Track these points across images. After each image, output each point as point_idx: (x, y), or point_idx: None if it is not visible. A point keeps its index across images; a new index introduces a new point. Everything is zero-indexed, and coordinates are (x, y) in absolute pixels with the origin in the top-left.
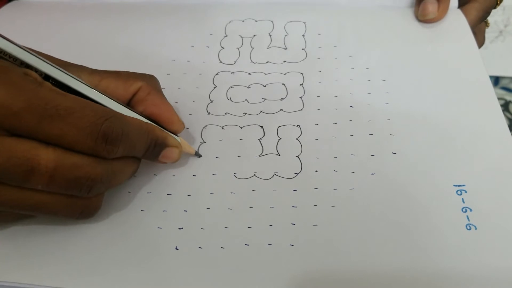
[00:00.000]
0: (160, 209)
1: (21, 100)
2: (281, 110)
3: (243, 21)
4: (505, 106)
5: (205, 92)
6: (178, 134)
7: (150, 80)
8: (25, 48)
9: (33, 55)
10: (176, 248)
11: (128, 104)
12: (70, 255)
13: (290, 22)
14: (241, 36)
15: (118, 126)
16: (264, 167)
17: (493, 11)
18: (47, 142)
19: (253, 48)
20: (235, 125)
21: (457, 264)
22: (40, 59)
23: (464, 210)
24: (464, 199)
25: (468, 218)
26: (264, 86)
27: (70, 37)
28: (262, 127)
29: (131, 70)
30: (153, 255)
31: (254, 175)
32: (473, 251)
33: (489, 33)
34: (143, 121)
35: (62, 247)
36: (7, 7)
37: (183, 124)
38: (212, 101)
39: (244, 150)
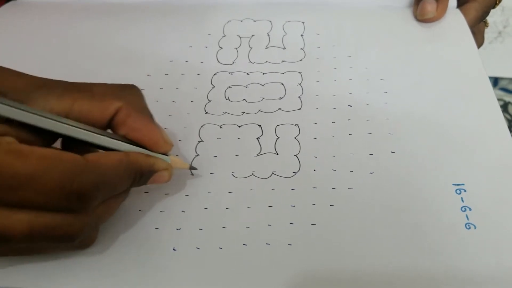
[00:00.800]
0: (157, 209)
1: None
2: (279, 109)
3: (241, 21)
4: (504, 107)
5: (203, 92)
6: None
7: (130, 96)
8: None
9: None
10: (173, 249)
11: (109, 126)
12: (66, 256)
13: (288, 22)
14: (239, 36)
15: (91, 180)
16: (262, 166)
17: (492, 12)
18: (16, 207)
19: (251, 48)
20: (233, 124)
21: (456, 263)
22: None
23: (463, 209)
24: (464, 198)
25: (467, 217)
26: (262, 85)
27: (68, 37)
28: (260, 126)
29: (130, 70)
30: (150, 256)
31: (252, 174)
32: (472, 250)
33: (488, 34)
34: (124, 154)
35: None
36: (5, 7)
37: (170, 144)
38: (210, 101)
39: (242, 149)
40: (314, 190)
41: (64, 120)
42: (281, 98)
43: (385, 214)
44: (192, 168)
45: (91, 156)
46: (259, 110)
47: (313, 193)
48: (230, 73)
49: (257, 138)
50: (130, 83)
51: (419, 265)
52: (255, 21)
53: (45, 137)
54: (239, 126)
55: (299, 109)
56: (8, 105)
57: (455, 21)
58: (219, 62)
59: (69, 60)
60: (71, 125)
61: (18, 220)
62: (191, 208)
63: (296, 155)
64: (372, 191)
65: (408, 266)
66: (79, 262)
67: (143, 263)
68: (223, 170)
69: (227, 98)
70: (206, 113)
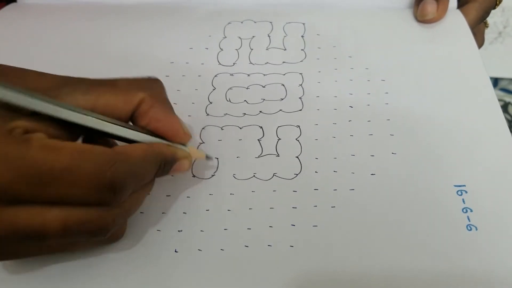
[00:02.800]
0: (159, 211)
1: (9, 171)
2: (280, 110)
3: (242, 23)
4: (504, 108)
5: (204, 94)
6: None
7: (153, 89)
8: (3, 85)
9: (15, 91)
10: (175, 251)
11: (132, 117)
12: (67, 258)
13: (289, 23)
14: (240, 38)
15: (124, 171)
16: (264, 168)
17: (492, 12)
18: (50, 203)
19: (252, 49)
20: (234, 126)
21: (458, 265)
22: (25, 93)
23: (464, 210)
24: (465, 200)
25: (468, 219)
26: (263, 86)
27: (68, 39)
28: (261, 127)
29: (130, 72)
30: (152, 258)
31: (254, 176)
32: (474, 252)
33: (488, 34)
34: (148, 146)
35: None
36: (6, 9)
37: (189, 135)
38: (211, 103)
39: (243, 151)
40: (316, 192)
41: (90, 113)
42: (282, 99)
43: (387, 216)
44: (208, 157)
45: (118, 148)
46: (260, 111)
47: (314, 195)
48: (231, 74)
49: (258, 140)
50: None
51: (420, 267)
52: (255, 22)
53: (72, 131)
54: (240, 128)
55: (300, 110)
56: (38, 99)
57: (456, 21)
58: (219, 63)
59: (69, 61)
60: (99, 119)
61: (52, 216)
62: (192, 210)
63: (297, 157)
64: (373, 192)
65: (410, 268)
66: (80, 264)
67: (145, 265)
68: (224, 171)
69: (228, 100)
70: (207, 114)
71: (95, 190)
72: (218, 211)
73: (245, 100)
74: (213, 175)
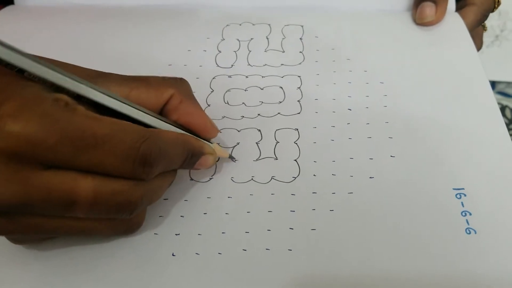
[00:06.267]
0: (156, 214)
1: (56, 132)
2: (278, 113)
3: (240, 25)
4: (501, 111)
5: (202, 96)
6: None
7: (181, 86)
8: (52, 67)
9: (61, 73)
10: (173, 255)
11: (161, 112)
12: (64, 261)
13: (287, 25)
14: (238, 40)
15: (156, 147)
16: (262, 171)
17: (489, 15)
18: (85, 171)
19: (250, 51)
20: (232, 129)
21: (456, 269)
22: (69, 77)
23: (463, 214)
24: (464, 203)
25: (467, 222)
26: (261, 89)
27: (67, 41)
28: (259, 130)
29: (127, 73)
30: (149, 262)
31: (252, 179)
32: (473, 255)
33: (485, 37)
34: (179, 133)
35: (57, 253)
36: (4, 11)
37: (217, 129)
38: (209, 105)
39: (242, 154)
40: (314, 195)
41: (127, 101)
42: (280, 102)
43: (385, 219)
44: (231, 157)
45: (152, 129)
46: (259, 114)
47: (313, 198)
48: (229, 76)
49: (256, 143)
50: None
51: (419, 271)
52: (254, 24)
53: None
54: (238, 131)
55: (299, 113)
56: (79, 82)
57: (454, 24)
58: (218, 65)
59: None
60: (134, 107)
61: (85, 183)
62: (190, 213)
63: (295, 160)
64: (372, 195)
65: (408, 272)
66: (76, 267)
67: (142, 268)
68: (222, 174)
69: (226, 102)
70: None
71: (128, 160)
72: (216, 214)
73: (243, 103)
74: (211, 178)
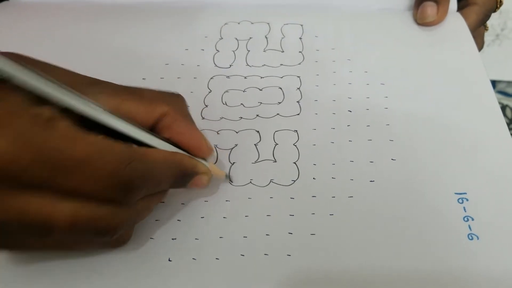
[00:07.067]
0: (152, 218)
1: (30, 152)
2: (277, 114)
3: (239, 23)
4: (502, 110)
5: (199, 96)
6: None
7: (176, 103)
8: (37, 76)
9: (47, 82)
10: (169, 260)
11: (153, 129)
12: (59, 265)
13: (287, 24)
14: (236, 39)
15: (141, 170)
16: (260, 174)
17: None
18: (64, 193)
19: (249, 51)
20: (230, 130)
21: (458, 275)
22: (55, 86)
23: (465, 219)
24: (466, 208)
25: (470, 228)
26: (260, 90)
27: (61, 39)
28: (258, 132)
29: (123, 73)
30: (145, 267)
31: (250, 182)
32: (475, 262)
33: (485, 37)
34: (169, 153)
35: (51, 257)
36: None
37: (212, 149)
38: (207, 106)
39: (240, 156)
40: (314, 199)
41: (116, 114)
42: (279, 103)
43: (386, 224)
44: (227, 177)
45: (139, 148)
46: (257, 115)
47: (312, 202)
48: (227, 76)
49: (255, 145)
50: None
51: (420, 277)
52: (252, 23)
53: (93, 129)
54: (237, 132)
55: (298, 114)
56: (64, 93)
57: (456, 24)
58: (216, 65)
59: (62, 62)
60: (124, 121)
61: (63, 208)
62: (187, 217)
63: (295, 162)
64: (372, 199)
65: (410, 277)
66: (71, 271)
67: (137, 274)
68: (220, 178)
69: (224, 103)
70: (203, 118)
71: (109, 185)
72: (213, 218)
73: (241, 104)
74: None
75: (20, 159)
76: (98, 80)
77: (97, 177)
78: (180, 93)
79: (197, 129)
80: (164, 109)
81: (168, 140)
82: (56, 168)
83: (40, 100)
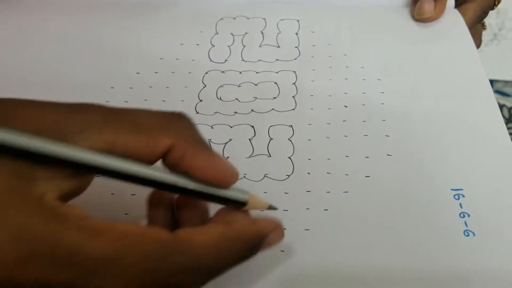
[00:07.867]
0: (144, 212)
1: (38, 255)
2: (272, 109)
3: (234, 19)
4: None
5: (194, 91)
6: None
7: (183, 129)
8: (19, 133)
9: (27, 136)
10: None
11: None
12: None
13: (283, 19)
14: (232, 34)
15: (184, 265)
16: (255, 169)
17: (488, 14)
18: None
19: (244, 46)
20: (224, 124)
21: (454, 272)
22: (39, 140)
23: (462, 215)
24: (462, 204)
25: (466, 224)
26: (255, 85)
27: (56, 34)
28: (253, 126)
29: (120, 69)
30: None
31: (244, 176)
32: (471, 258)
33: (483, 36)
34: (224, 227)
35: None
36: None
37: (237, 172)
38: (201, 100)
39: (234, 151)
40: (308, 194)
41: (118, 159)
42: (274, 98)
43: (381, 220)
44: (271, 207)
45: (182, 233)
46: (252, 110)
47: (307, 197)
48: (222, 71)
49: (249, 139)
50: (118, 80)
51: (416, 273)
52: (248, 18)
53: (88, 176)
54: (231, 127)
55: (293, 109)
56: (54, 146)
57: (453, 21)
58: (211, 60)
59: (57, 57)
60: (131, 165)
61: None
62: None
63: (289, 157)
64: (368, 195)
65: (404, 274)
66: None
67: None
68: None
69: (219, 98)
70: (197, 113)
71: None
72: None
73: (236, 98)
74: None
75: (28, 260)
76: (80, 106)
77: (128, 278)
78: (184, 112)
79: (213, 154)
80: (168, 141)
81: (186, 175)
82: (71, 272)
83: (25, 157)
